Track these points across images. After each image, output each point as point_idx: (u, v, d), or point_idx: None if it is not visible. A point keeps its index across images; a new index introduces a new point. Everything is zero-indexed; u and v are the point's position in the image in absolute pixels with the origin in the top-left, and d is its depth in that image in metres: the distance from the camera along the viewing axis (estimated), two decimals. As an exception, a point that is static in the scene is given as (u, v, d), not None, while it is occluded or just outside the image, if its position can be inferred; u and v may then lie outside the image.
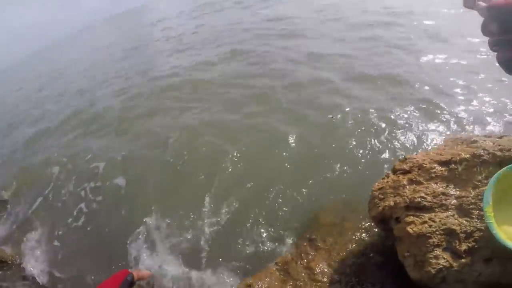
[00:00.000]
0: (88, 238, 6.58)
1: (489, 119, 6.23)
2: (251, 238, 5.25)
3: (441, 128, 6.30)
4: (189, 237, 5.62)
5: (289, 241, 4.89)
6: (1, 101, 22.91)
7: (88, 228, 6.83)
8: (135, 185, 7.51)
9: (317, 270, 4.00)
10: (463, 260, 2.66)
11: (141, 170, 7.86)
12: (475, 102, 6.79)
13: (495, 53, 1.34)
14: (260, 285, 4.07)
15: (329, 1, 18.66)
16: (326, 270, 3.99)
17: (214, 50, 15.77)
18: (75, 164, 9.29)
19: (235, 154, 7.22)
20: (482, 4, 1.29)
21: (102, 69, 20.72)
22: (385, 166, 5.67)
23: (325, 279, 3.88)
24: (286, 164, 6.52)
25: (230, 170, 6.88)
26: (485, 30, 1.32)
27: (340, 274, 3.87)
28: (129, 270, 1.93)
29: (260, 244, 5.07)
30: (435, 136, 6.10)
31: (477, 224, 2.74)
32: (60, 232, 7.00)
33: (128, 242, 5.90)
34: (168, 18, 32.76)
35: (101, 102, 14.11)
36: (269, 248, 4.92)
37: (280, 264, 4.35)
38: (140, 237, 5.94)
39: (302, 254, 4.34)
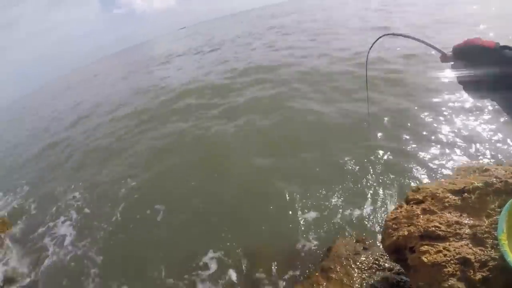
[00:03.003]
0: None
1: (499, 146, 6.24)
2: (261, 268, 5.22)
3: (454, 158, 6.30)
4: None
5: (301, 271, 4.85)
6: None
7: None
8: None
9: (329, 302, 3.93)
10: (478, 290, 2.62)
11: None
12: (486, 131, 6.81)
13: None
14: None
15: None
16: None
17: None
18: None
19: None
20: (449, 52, 1.62)
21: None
22: (396, 198, 5.67)
23: None
24: (298, 195, 6.54)
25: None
26: (454, 67, 1.60)
27: None
28: None
29: (271, 275, 5.03)
30: (448, 166, 6.10)
31: (492, 253, 2.71)
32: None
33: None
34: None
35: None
36: (281, 280, 4.87)
37: None
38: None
39: (314, 285, 4.27)
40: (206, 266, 5.71)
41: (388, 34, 2.11)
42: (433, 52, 1.71)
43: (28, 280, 7.27)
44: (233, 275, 5.34)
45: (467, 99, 8.30)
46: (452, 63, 1.61)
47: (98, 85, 26.77)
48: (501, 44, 1.44)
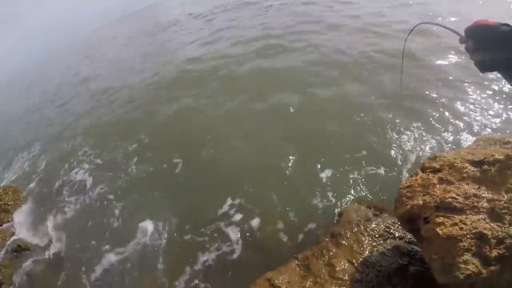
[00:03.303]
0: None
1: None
2: (271, 231, 5.26)
3: (473, 128, 6.10)
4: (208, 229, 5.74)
5: (311, 236, 4.85)
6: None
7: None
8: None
9: (338, 268, 3.91)
10: (492, 267, 2.56)
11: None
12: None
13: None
14: (280, 280, 4.01)
15: None
16: (347, 268, 3.89)
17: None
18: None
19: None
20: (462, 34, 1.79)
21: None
22: (411, 165, 5.55)
23: (346, 277, 3.79)
24: (311, 159, 6.47)
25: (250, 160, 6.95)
26: (467, 49, 1.75)
27: (361, 273, 3.77)
28: None
29: (281, 238, 5.05)
30: (467, 136, 5.91)
31: (509, 230, 2.63)
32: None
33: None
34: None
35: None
36: (291, 243, 4.90)
37: (300, 260, 4.28)
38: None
39: (324, 251, 4.27)
40: (226, 215, 5.88)
41: (424, 23, 2.36)
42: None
43: (52, 228, 7.60)
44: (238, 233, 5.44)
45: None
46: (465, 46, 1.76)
47: (108, 50, 25.95)
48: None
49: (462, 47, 1.81)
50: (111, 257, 6.02)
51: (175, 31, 24.29)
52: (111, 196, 7.68)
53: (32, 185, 9.63)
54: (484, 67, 1.73)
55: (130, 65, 18.66)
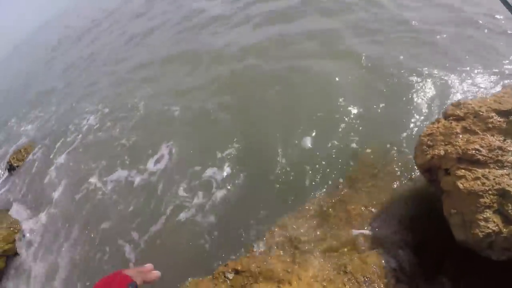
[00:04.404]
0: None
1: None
2: (287, 175, 5.22)
3: (500, 73, 5.65)
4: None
5: (329, 180, 4.73)
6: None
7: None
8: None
9: (354, 213, 3.98)
10: (515, 227, 2.57)
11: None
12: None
13: None
14: (296, 226, 4.11)
15: None
16: (364, 213, 3.94)
17: None
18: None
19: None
20: None
21: None
22: (436, 111, 5.26)
23: (363, 224, 3.85)
24: (329, 101, 6.25)
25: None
26: None
27: (378, 220, 3.81)
28: (130, 275, 1.39)
29: (298, 182, 4.98)
30: (494, 81, 5.49)
31: (535, 188, 2.62)
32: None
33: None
34: None
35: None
36: (308, 186, 4.81)
37: (317, 205, 4.33)
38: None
39: (341, 195, 4.33)
40: (219, 163, 5.98)
41: None
42: None
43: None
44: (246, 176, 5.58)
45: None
46: None
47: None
48: None
49: None
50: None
51: None
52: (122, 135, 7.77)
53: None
54: None
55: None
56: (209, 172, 5.93)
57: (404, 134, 4.92)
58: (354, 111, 5.85)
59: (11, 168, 9.71)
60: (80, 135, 9.34)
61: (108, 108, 9.91)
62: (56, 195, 7.70)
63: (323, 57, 7.63)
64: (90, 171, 7.65)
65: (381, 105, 5.71)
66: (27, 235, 7.09)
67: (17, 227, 7.22)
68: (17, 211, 7.92)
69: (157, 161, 6.82)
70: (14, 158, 9.99)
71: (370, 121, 5.52)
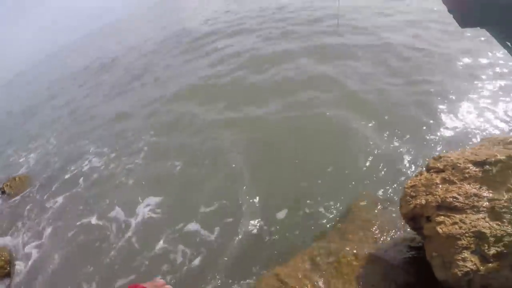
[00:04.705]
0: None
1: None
2: (280, 226, 5.38)
3: (479, 127, 6.09)
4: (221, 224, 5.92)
5: (319, 231, 4.94)
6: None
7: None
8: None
9: (344, 262, 4.07)
10: (490, 264, 2.66)
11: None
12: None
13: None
14: (288, 275, 4.16)
15: None
16: (353, 263, 4.04)
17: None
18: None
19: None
20: None
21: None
22: (419, 164, 5.61)
23: (352, 273, 3.93)
24: (320, 153, 6.57)
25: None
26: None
27: (367, 269, 3.91)
28: (143, 285, 1.47)
29: (288, 234, 5.17)
30: (472, 136, 5.92)
31: (508, 229, 2.72)
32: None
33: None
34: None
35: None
36: (298, 238, 5.00)
37: (308, 255, 4.41)
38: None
39: (331, 245, 4.41)
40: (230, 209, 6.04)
41: None
42: None
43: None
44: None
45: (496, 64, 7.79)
46: None
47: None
48: None
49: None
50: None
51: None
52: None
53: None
54: (468, 22, 1.50)
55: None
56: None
57: (394, 186, 5.13)
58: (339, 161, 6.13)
59: (3, 193, 9.73)
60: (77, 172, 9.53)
61: (108, 148, 10.07)
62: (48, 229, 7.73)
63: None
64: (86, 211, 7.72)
65: (368, 159, 6.00)
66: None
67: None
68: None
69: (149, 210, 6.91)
70: (7, 185, 9.98)
71: (357, 176, 5.77)
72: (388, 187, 5.31)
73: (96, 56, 24.71)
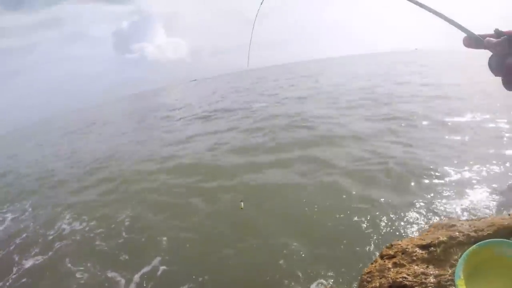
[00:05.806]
0: None
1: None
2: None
3: (429, 215, 6.53)
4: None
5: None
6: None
7: None
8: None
9: None
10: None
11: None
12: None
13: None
14: None
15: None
16: None
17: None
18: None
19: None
20: (493, 40, 1.34)
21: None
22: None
23: None
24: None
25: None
26: (500, 64, 1.35)
27: None
28: None
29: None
30: (423, 223, 6.32)
31: (454, 300, 2.85)
32: None
33: None
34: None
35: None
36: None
37: None
38: None
39: None
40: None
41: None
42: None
43: None
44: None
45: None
46: (494, 58, 1.41)
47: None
48: None
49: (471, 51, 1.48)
50: None
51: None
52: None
53: None
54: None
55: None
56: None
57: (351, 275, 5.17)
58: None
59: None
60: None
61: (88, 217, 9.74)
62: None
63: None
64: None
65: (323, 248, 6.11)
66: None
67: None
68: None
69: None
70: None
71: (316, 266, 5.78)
72: (345, 275, 5.39)
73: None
